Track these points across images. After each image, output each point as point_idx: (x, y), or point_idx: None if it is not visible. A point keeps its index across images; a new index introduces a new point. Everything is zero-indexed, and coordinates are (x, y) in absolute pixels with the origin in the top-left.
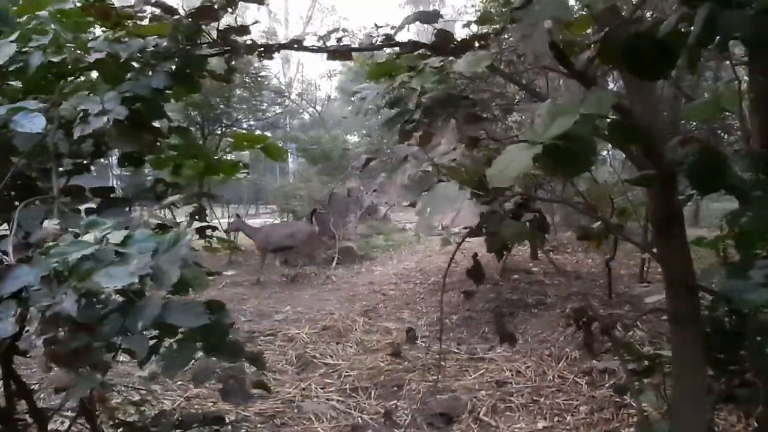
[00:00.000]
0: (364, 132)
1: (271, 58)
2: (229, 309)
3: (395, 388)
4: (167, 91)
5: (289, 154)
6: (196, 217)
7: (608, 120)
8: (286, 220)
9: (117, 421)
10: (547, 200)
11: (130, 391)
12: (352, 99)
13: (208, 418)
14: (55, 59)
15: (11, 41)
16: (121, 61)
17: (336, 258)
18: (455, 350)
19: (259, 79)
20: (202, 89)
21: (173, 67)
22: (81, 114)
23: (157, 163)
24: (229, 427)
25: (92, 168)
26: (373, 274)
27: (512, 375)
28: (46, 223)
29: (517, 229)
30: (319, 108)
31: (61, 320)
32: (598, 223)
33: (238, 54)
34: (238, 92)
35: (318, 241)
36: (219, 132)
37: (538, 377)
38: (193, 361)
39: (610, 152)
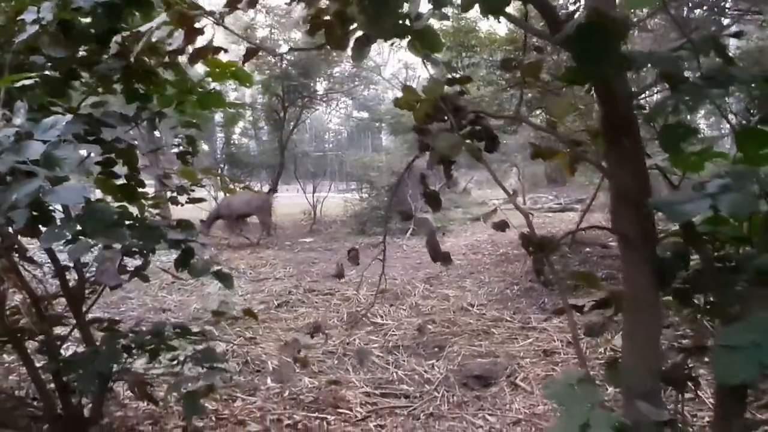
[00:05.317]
0: None
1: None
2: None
3: (436, 349)
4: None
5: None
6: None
7: None
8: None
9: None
10: (498, 116)
11: None
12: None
13: (175, 328)
14: None
15: None
16: None
17: (411, 229)
18: (508, 319)
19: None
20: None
21: None
22: (20, 23)
23: (161, 101)
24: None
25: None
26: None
27: (562, 345)
28: None
29: (451, 141)
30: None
31: None
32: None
33: None
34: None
35: (271, 208)
36: (299, 104)
37: (589, 350)
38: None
39: None
